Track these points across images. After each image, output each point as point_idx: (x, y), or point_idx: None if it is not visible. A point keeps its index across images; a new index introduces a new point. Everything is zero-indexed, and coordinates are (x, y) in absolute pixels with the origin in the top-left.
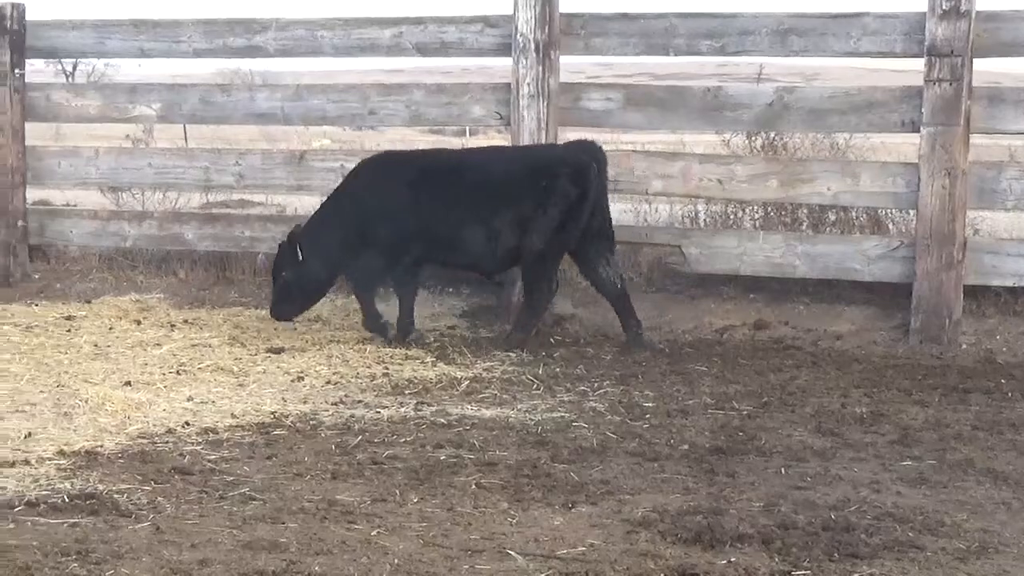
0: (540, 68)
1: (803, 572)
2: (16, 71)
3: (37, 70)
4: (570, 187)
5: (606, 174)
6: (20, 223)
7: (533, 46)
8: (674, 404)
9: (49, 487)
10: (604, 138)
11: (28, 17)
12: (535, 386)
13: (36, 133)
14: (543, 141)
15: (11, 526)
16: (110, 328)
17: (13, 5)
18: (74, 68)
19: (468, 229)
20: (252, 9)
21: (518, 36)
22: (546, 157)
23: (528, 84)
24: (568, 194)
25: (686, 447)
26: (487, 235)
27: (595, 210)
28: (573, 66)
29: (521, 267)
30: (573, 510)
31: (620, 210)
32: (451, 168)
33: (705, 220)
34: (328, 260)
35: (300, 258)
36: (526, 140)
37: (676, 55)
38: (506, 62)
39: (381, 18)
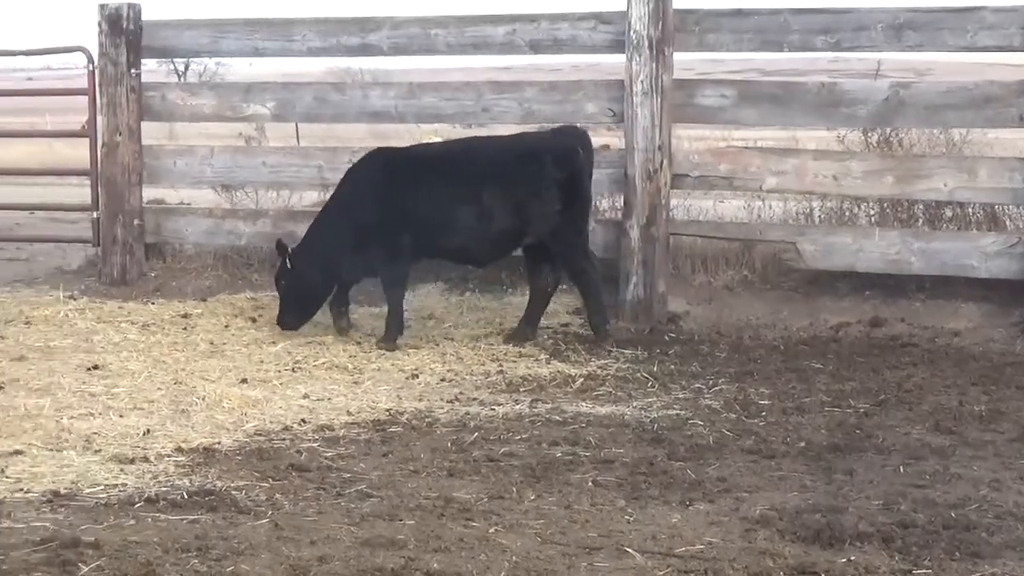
0: (654, 65)
1: (924, 571)
2: (132, 71)
3: (149, 70)
4: (556, 170)
5: (591, 159)
6: (136, 222)
7: (647, 43)
8: (790, 402)
9: (168, 484)
10: (716, 135)
11: (144, 17)
12: (650, 383)
13: (149, 132)
14: (656, 138)
15: (132, 522)
16: (226, 326)
17: (129, 5)
18: (186, 68)
19: (459, 219)
20: (366, 8)
21: (631, 33)
22: (531, 143)
23: (641, 81)
24: (555, 177)
25: (803, 445)
26: (477, 224)
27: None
28: (682, 63)
29: (556, 261)
30: (691, 508)
31: (735, 207)
32: (440, 159)
33: (820, 217)
34: (321, 266)
35: (289, 267)
36: (639, 137)
37: (790, 51)
38: (618, 59)
39: (495, 15)
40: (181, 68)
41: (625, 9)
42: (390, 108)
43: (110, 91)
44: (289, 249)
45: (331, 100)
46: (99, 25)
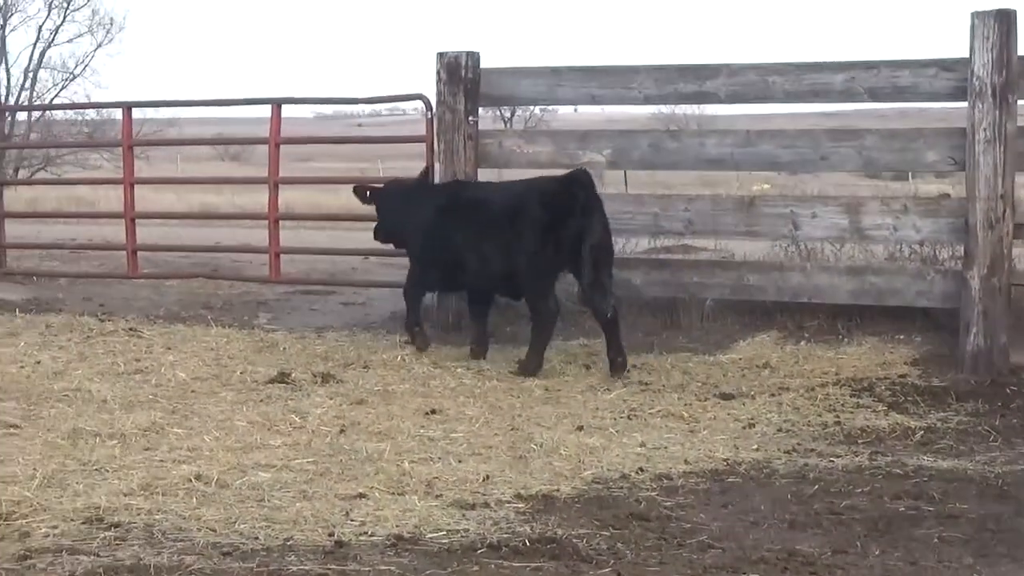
0: (997, 112)
1: None
2: (470, 118)
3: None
4: (540, 212)
5: (595, 201)
6: None
7: (990, 90)
8: None
9: (509, 530)
10: None
11: (482, 65)
12: (992, 437)
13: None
14: (999, 187)
15: (475, 568)
16: (561, 372)
17: (468, 54)
18: (512, 114)
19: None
20: (701, 55)
21: (974, 80)
22: (522, 188)
23: (984, 129)
24: (539, 219)
25: None
26: (480, 260)
27: (583, 235)
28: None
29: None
30: None
31: None
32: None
33: None
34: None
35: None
36: (982, 186)
37: None
38: (951, 106)
39: (833, 63)
40: (507, 115)
41: (968, 56)
42: (726, 156)
43: (448, 138)
44: None
45: (667, 148)
46: (437, 73)
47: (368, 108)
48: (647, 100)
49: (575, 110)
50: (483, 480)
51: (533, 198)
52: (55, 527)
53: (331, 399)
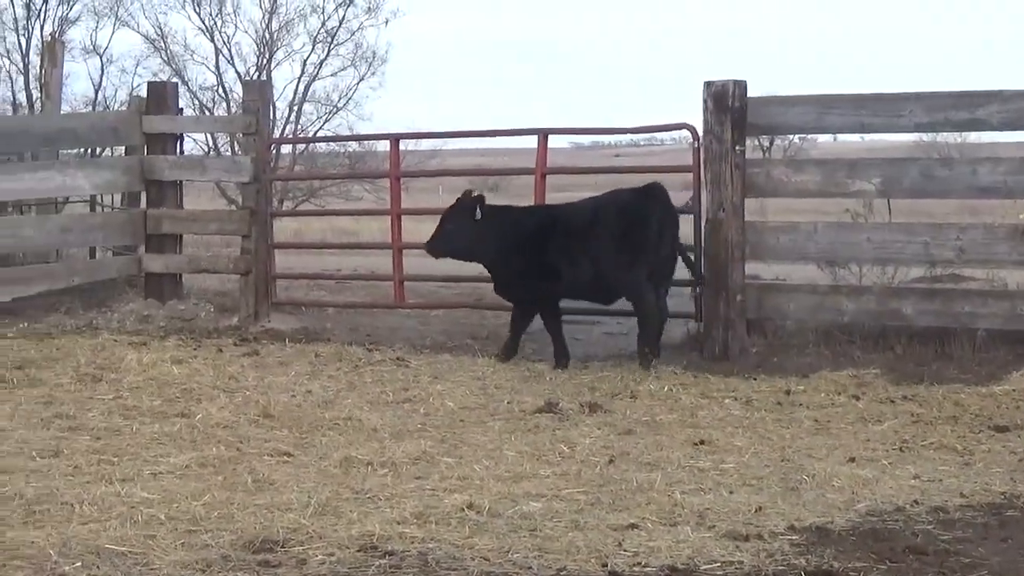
0: None
1: None
2: (736, 148)
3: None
4: (615, 220)
5: (665, 210)
6: (739, 298)
7: None
8: None
9: (784, 563)
10: None
11: (749, 94)
12: None
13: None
14: None
15: None
16: (830, 403)
17: (735, 83)
18: (771, 143)
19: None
20: (972, 82)
21: None
22: (601, 200)
23: None
24: (616, 226)
25: None
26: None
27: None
28: None
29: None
30: None
31: None
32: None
33: None
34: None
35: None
36: None
37: None
38: None
39: None
40: (766, 143)
41: None
42: (999, 184)
43: (715, 168)
44: None
45: (938, 176)
46: (704, 102)
47: (626, 138)
48: (917, 128)
49: (834, 138)
50: (755, 511)
51: (611, 209)
52: (331, 554)
53: (599, 429)
